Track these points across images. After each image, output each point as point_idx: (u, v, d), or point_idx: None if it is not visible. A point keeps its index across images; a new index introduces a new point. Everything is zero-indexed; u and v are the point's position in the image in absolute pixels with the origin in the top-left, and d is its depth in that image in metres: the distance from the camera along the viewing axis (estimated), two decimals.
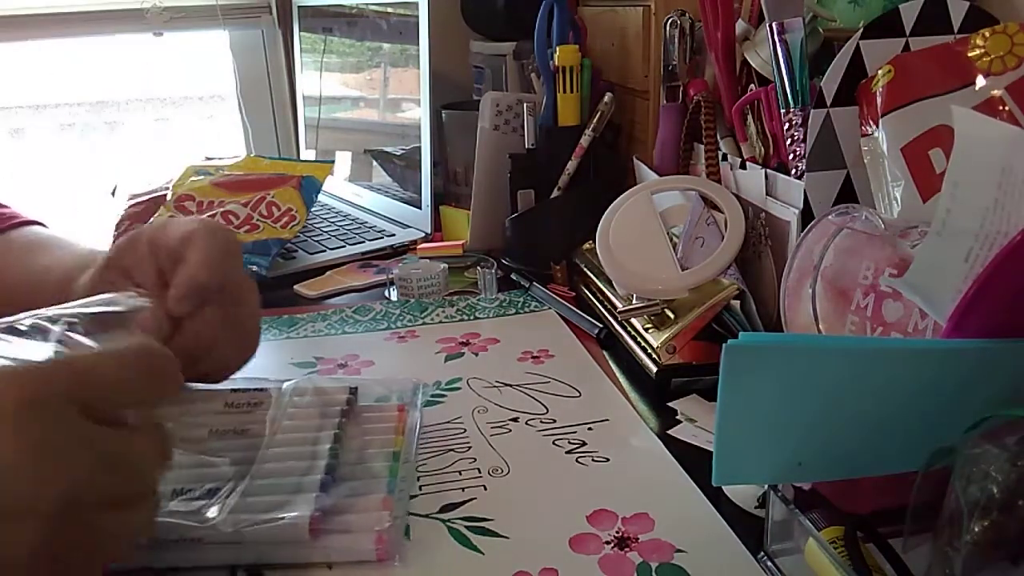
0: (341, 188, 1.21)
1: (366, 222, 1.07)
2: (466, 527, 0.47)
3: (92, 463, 0.32)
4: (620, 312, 0.67)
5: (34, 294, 0.56)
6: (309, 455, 0.47)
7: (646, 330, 0.65)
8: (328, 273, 0.91)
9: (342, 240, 0.99)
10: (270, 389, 0.52)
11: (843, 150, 0.60)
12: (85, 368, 0.33)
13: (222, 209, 0.92)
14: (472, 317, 0.78)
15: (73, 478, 0.31)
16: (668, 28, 0.79)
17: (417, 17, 0.99)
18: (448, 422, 0.58)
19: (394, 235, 1.00)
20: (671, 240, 0.68)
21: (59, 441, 0.31)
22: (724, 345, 0.35)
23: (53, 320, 0.36)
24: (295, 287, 0.86)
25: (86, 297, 0.49)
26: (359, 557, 0.43)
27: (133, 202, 1.00)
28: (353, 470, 0.48)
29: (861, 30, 0.58)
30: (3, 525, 0.29)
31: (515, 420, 0.58)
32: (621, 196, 0.73)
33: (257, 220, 0.92)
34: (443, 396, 0.62)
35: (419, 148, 1.02)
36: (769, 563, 0.43)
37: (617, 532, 0.46)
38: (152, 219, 0.92)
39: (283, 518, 0.42)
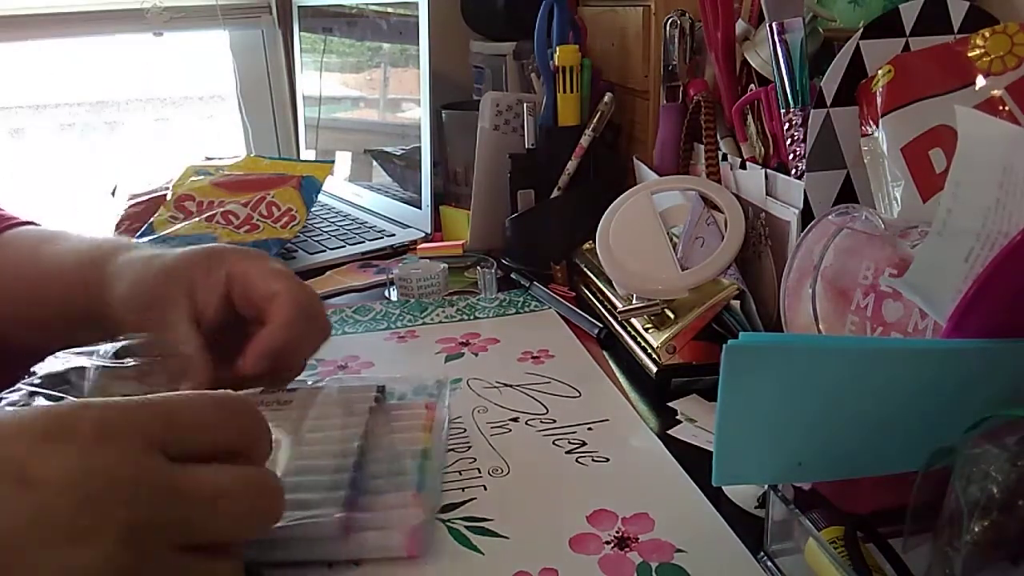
0: (341, 188, 1.21)
1: (366, 222, 1.07)
2: (466, 527, 0.47)
3: (162, 499, 0.32)
4: (620, 312, 0.67)
5: (48, 287, 0.56)
6: (338, 453, 0.47)
7: (646, 330, 0.65)
8: (328, 273, 0.91)
9: (342, 240, 0.99)
10: (299, 388, 0.53)
11: (843, 150, 0.60)
12: (164, 408, 0.34)
13: (222, 209, 0.92)
14: (472, 317, 0.78)
15: (138, 510, 0.31)
16: (668, 28, 0.79)
17: (417, 17, 0.99)
18: (448, 422, 0.58)
19: (394, 235, 1.00)
20: (671, 240, 0.68)
21: (128, 472, 0.31)
22: (724, 345, 0.35)
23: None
24: None
25: (130, 287, 0.51)
26: (390, 554, 0.43)
27: (133, 202, 1.00)
28: (382, 468, 0.48)
29: (861, 30, 0.58)
30: (68, 544, 0.30)
31: (515, 420, 0.58)
32: (621, 196, 0.73)
33: (257, 220, 0.92)
34: None
35: (419, 148, 1.02)
36: (769, 563, 0.43)
37: (617, 532, 0.46)
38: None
39: (314, 516, 0.42)
